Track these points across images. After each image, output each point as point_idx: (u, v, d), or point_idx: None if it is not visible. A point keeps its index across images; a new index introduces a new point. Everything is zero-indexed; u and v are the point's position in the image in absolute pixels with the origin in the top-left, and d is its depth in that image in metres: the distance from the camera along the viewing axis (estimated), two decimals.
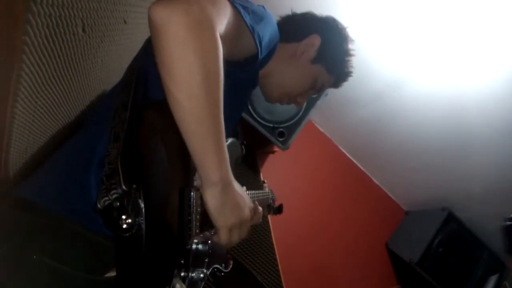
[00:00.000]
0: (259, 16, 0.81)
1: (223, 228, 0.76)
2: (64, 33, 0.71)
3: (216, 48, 0.63)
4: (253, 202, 0.89)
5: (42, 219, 0.69)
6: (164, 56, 0.60)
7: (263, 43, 0.82)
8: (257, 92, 1.88)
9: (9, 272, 0.63)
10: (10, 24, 0.58)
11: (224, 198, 0.73)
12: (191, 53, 0.59)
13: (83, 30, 0.78)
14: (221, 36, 0.64)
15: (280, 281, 2.20)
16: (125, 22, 0.99)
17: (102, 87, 1.06)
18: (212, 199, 0.72)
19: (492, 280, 2.88)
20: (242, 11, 0.75)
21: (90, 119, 0.91)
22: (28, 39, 0.62)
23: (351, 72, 1.13)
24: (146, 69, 0.79)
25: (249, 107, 2.07)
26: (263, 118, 2.11)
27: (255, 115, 2.09)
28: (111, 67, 1.05)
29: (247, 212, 0.80)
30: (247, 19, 0.76)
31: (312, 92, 1.15)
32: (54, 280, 0.66)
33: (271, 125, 2.14)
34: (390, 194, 3.40)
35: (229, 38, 0.71)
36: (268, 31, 0.85)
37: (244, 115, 2.05)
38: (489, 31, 1.88)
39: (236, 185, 0.78)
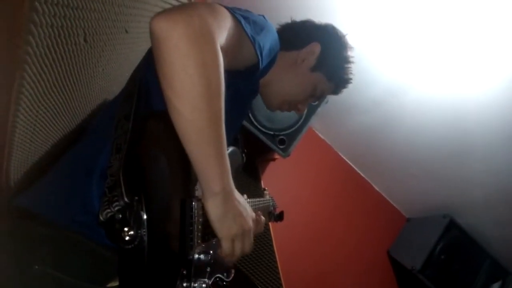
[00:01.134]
0: (259, 26, 0.82)
1: (226, 238, 0.75)
2: (66, 43, 0.71)
3: (217, 60, 0.63)
4: (255, 211, 0.89)
5: (43, 228, 0.69)
6: (165, 68, 0.61)
7: (264, 53, 0.83)
8: (257, 100, 1.88)
9: (11, 282, 0.62)
10: (12, 34, 0.59)
11: (226, 208, 0.73)
12: (192, 65, 0.59)
13: (85, 40, 0.79)
14: (222, 47, 0.65)
15: None
16: (126, 31, 0.99)
17: (104, 96, 1.06)
18: (214, 209, 0.72)
19: (495, 287, 2.87)
20: (243, 21, 0.75)
21: (91, 128, 0.91)
22: (30, 49, 0.62)
23: (350, 79, 1.13)
24: (147, 79, 0.79)
25: (250, 114, 2.07)
26: (263, 126, 2.11)
27: (255, 123, 2.09)
28: (112, 76, 1.05)
29: (249, 222, 0.79)
30: (248, 29, 0.76)
31: (312, 99, 1.15)
32: None
33: (272, 132, 2.13)
34: (391, 201, 3.38)
35: (230, 49, 0.71)
36: (268, 41, 0.85)
37: (244, 122, 2.05)
38: (488, 38, 1.89)
39: (237, 194, 0.78)
